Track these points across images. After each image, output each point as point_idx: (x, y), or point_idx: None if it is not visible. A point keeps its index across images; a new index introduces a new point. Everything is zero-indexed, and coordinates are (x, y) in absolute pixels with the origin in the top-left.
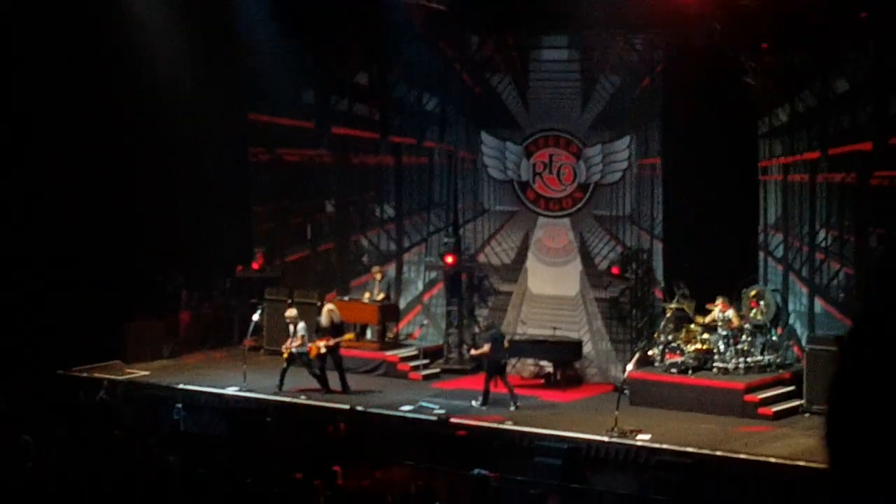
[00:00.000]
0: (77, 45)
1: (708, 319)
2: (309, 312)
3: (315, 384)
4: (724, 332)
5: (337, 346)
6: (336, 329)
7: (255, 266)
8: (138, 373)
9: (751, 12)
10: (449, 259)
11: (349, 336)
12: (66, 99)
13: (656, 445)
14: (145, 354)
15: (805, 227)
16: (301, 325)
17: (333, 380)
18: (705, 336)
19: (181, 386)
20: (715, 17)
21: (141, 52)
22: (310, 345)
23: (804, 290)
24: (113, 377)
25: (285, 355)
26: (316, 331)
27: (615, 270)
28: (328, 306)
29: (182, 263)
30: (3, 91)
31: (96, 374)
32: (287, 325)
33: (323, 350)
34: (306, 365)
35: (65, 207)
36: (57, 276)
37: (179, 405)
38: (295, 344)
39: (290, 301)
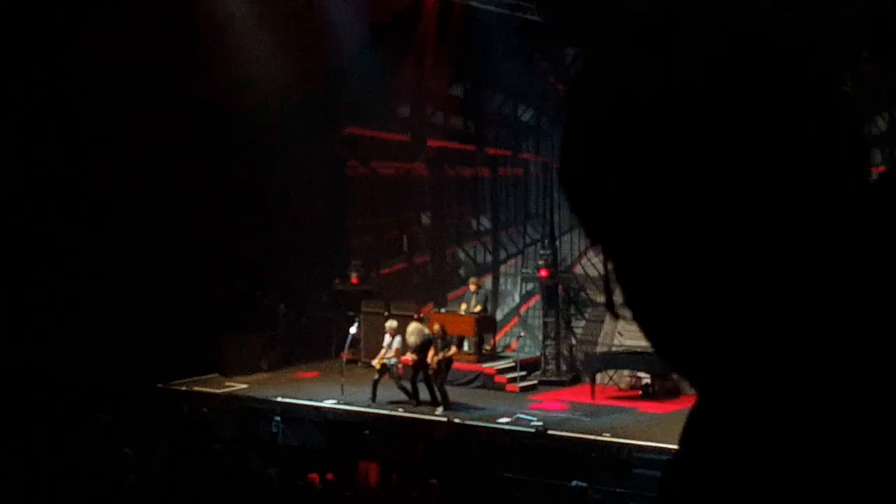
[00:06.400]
0: (176, 63)
1: None
2: (405, 325)
3: (403, 397)
4: None
5: (447, 360)
6: (426, 345)
7: (353, 281)
8: (237, 386)
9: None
10: (543, 272)
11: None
12: (165, 115)
13: None
14: (244, 368)
15: None
16: (398, 338)
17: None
18: None
19: (279, 399)
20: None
21: (238, 69)
22: (402, 358)
23: None
24: (212, 391)
25: (377, 366)
26: (408, 349)
27: None
28: (412, 325)
29: (280, 276)
30: (99, 112)
31: (195, 388)
32: (383, 335)
33: (434, 364)
34: (394, 377)
35: (164, 223)
36: (157, 291)
37: (278, 418)
38: (389, 355)
39: (386, 314)
